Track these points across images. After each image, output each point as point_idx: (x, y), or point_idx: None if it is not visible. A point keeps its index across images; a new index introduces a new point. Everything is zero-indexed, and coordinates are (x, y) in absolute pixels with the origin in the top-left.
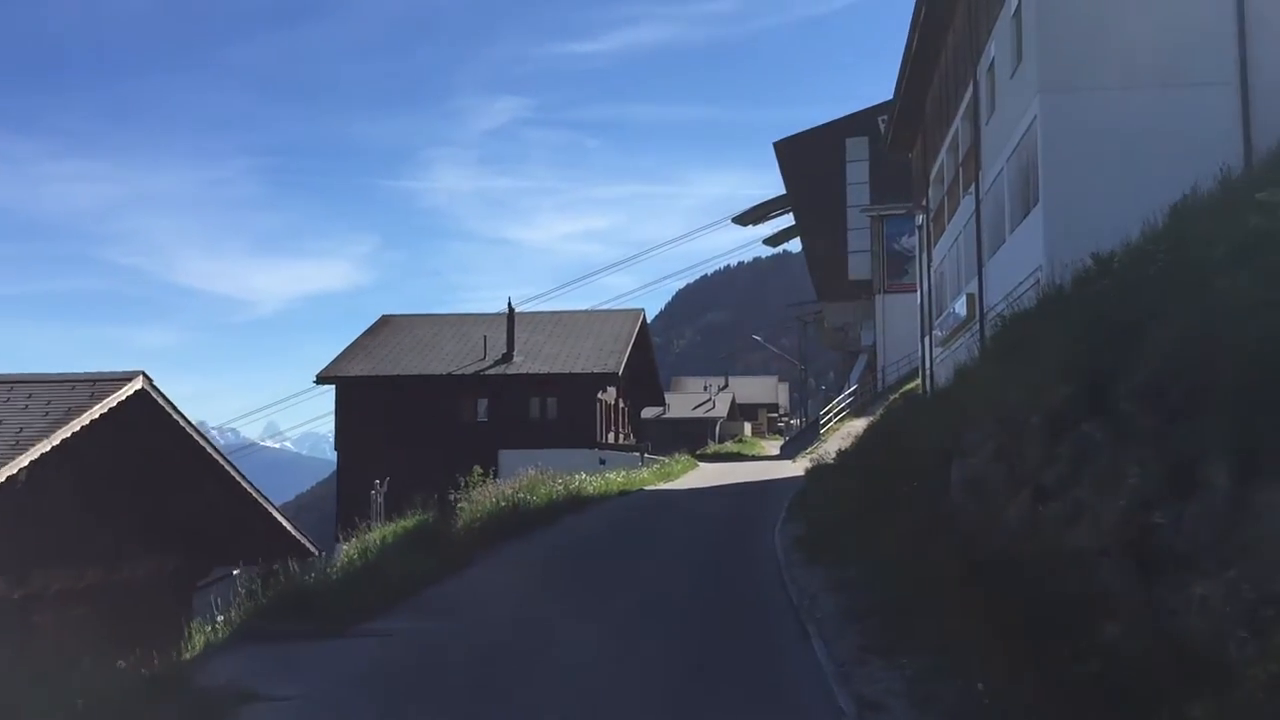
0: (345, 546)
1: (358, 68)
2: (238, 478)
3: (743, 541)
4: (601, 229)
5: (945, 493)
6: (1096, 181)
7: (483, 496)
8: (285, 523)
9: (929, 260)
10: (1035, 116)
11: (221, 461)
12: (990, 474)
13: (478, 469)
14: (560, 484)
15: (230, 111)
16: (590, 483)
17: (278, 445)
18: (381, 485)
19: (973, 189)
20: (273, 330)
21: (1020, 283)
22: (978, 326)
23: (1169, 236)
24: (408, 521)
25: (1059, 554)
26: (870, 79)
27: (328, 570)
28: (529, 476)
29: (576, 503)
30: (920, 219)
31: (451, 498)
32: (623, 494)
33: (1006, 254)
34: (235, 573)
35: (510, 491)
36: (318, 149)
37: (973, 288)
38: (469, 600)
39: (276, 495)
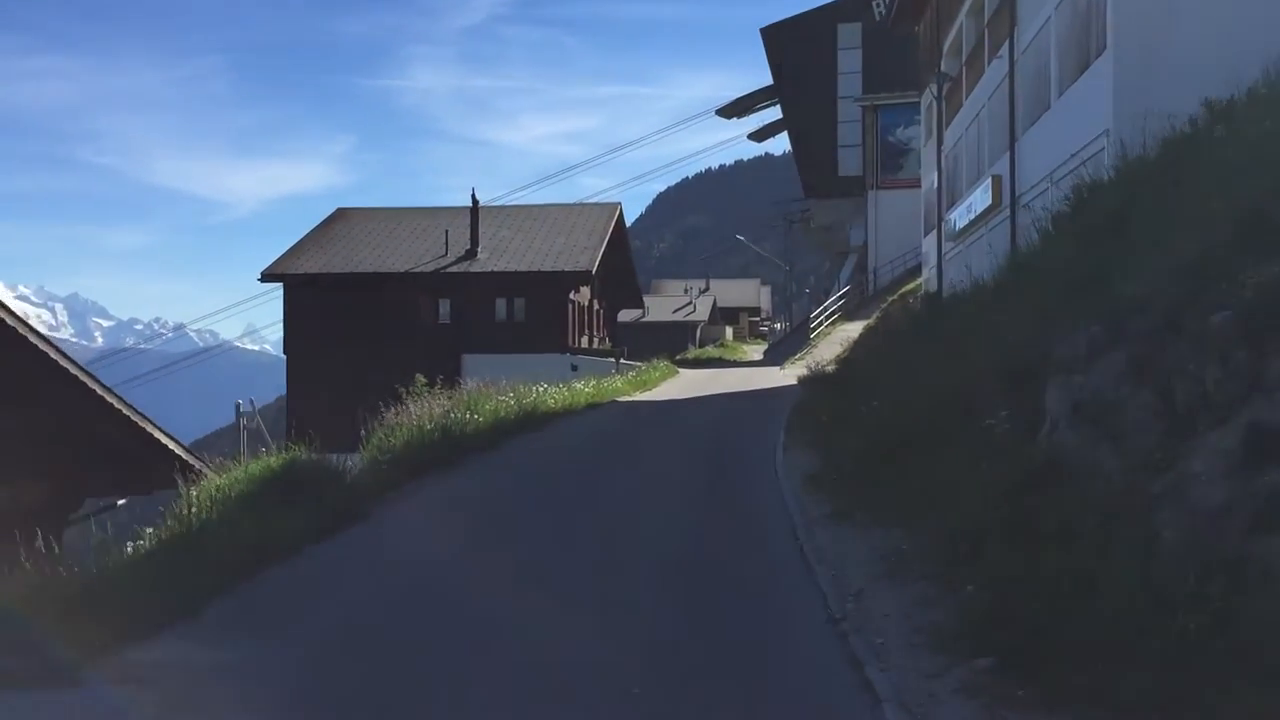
0: (182, 496)
1: None
2: (101, 392)
3: (738, 479)
4: (582, 130)
5: (1034, 426)
6: (1181, 20)
7: (404, 419)
8: (174, 445)
9: (939, 145)
10: None
11: (81, 375)
12: (1125, 399)
13: (421, 378)
14: (512, 397)
15: (204, 8)
16: (552, 395)
17: (256, 347)
18: (252, 408)
19: (1004, 51)
20: (249, 231)
21: (1074, 154)
22: (1007, 214)
23: None
24: (272, 460)
25: None
26: None
27: (122, 549)
28: (470, 392)
29: (531, 420)
30: (930, 96)
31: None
32: (591, 406)
33: (1050, 124)
34: (121, 503)
35: (440, 412)
36: (293, 46)
37: (1000, 169)
38: (328, 591)
39: (256, 397)
